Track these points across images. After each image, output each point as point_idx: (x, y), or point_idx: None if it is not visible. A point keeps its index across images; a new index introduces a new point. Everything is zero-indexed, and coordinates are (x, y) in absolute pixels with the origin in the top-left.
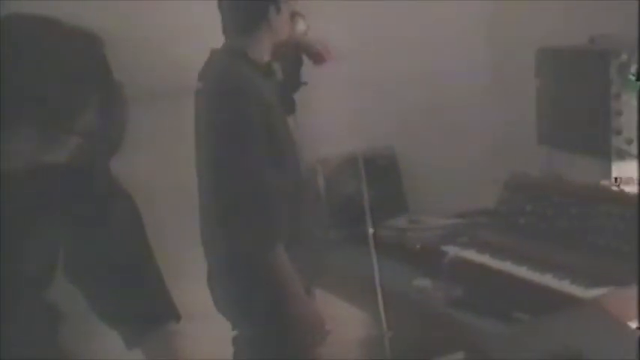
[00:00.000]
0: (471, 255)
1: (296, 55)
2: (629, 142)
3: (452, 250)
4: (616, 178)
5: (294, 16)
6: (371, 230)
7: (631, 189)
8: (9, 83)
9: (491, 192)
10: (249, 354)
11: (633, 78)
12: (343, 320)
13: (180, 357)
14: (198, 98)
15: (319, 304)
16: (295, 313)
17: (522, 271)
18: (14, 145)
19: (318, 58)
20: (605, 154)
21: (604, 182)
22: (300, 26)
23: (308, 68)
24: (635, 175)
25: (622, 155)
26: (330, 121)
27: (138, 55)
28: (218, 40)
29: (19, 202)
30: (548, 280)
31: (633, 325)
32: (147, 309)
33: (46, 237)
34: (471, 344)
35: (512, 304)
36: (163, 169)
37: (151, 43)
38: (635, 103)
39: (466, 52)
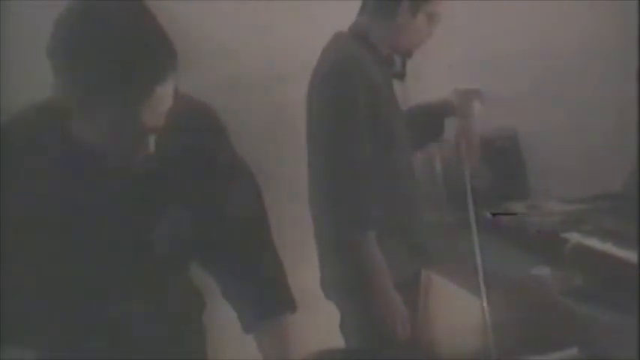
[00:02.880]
0: (594, 243)
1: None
2: None
3: (573, 238)
4: None
5: (432, 17)
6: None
7: None
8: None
9: (618, 176)
10: (353, 341)
11: None
12: (457, 308)
13: (291, 348)
14: (312, 75)
15: (434, 292)
16: (378, 303)
17: None
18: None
19: None
20: None
21: None
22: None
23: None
24: None
25: None
26: None
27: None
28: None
29: (141, 184)
30: None
31: None
32: (265, 296)
33: (171, 216)
34: (586, 339)
35: (637, 296)
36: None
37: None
38: None
39: (589, 25)
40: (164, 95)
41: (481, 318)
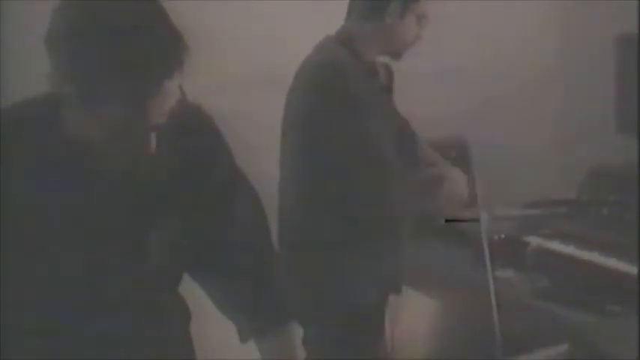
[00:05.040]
0: (556, 246)
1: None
2: None
3: (534, 241)
4: None
5: (420, 19)
6: (485, 218)
7: None
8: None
9: (570, 182)
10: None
11: None
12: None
13: (295, 356)
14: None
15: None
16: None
17: (612, 262)
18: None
19: None
20: None
21: None
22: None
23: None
24: None
25: None
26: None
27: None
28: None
29: (135, 190)
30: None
31: None
32: (270, 306)
33: (166, 227)
34: (570, 336)
35: (604, 296)
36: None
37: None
38: None
39: (540, 38)
40: (171, 91)
41: (442, 322)
